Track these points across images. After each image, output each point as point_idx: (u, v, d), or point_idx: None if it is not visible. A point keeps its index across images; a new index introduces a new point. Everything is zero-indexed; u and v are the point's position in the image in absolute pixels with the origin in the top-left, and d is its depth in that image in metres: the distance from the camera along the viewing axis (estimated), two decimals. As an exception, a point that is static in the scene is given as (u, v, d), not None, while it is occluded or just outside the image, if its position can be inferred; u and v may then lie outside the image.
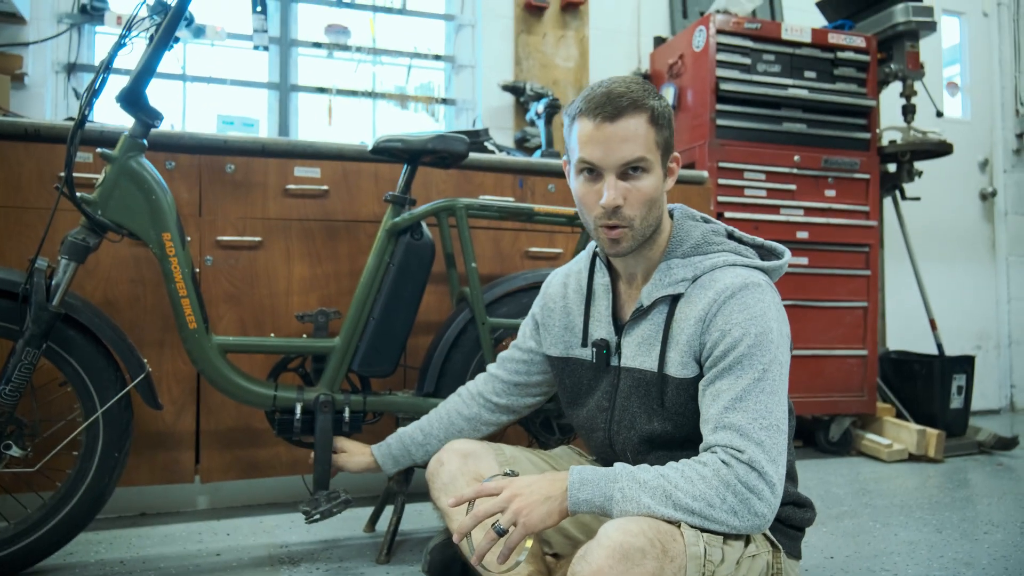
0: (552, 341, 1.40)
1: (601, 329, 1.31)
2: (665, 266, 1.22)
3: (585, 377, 1.34)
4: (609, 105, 1.15)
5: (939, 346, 3.12)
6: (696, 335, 1.16)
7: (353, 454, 1.57)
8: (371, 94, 2.94)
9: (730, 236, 1.28)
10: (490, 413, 1.50)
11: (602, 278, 1.33)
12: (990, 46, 4.00)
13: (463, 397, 1.52)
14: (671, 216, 1.27)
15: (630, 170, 1.17)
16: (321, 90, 2.89)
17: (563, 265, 1.47)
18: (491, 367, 1.52)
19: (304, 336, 1.72)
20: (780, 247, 1.28)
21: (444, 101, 3.05)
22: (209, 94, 2.75)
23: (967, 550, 1.77)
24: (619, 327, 1.28)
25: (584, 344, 1.32)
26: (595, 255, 1.36)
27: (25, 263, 1.66)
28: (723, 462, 1.05)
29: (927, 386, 3.00)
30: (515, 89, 2.91)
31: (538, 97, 2.84)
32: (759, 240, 1.28)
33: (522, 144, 2.88)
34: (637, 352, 1.24)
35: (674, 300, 1.20)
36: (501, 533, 1.07)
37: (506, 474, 1.17)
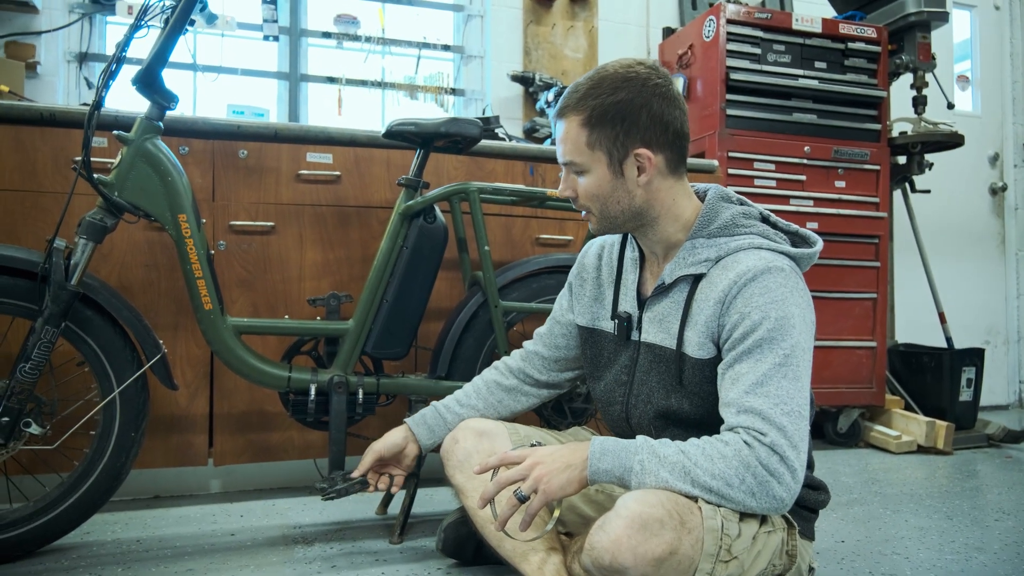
0: (581, 310, 1.42)
1: (626, 302, 1.32)
2: (690, 245, 1.22)
3: (607, 349, 1.35)
4: (560, 103, 1.23)
5: (948, 339, 3.11)
6: (715, 316, 1.16)
7: (385, 436, 1.47)
8: (380, 84, 2.95)
9: (764, 220, 1.27)
10: (532, 387, 1.50)
11: (632, 252, 1.34)
12: (1001, 39, 3.99)
13: (501, 371, 1.51)
14: (702, 197, 1.27)
15: (572, 168, 1.24)
16: (331, 80, 2.90)
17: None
18: (528, 344, 1.52)
19: (318, 319, 1.72)
20: (814, 236, 1.26)
21: (453, 91, 3.06)
22: (220, 84, 2.76)
23: (978, 536, 1.77)
24: (642, 302, 1.29)
25: (612, 316, 1.33)
26: None
27: (41, 247, 1.67)
28: (745, 443, 1.06)
29: (936, 379, 2.99)
30: (524, 79, 2.92)
31: (547, 87, 2.84)
32: (794, 227, 1.27)
33: (531, 134, 2.88)
34: (657, 329, 1.25)
35: (696, 280, 1.20)
36: (523, 500, 1.09)
37: (532, 445, 1.18)
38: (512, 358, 1.53)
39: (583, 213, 1.28)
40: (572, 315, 1.45)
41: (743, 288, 1.13)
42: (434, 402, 1.50)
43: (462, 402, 1.48)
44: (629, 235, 1.36)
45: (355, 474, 1.45)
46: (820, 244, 1.26)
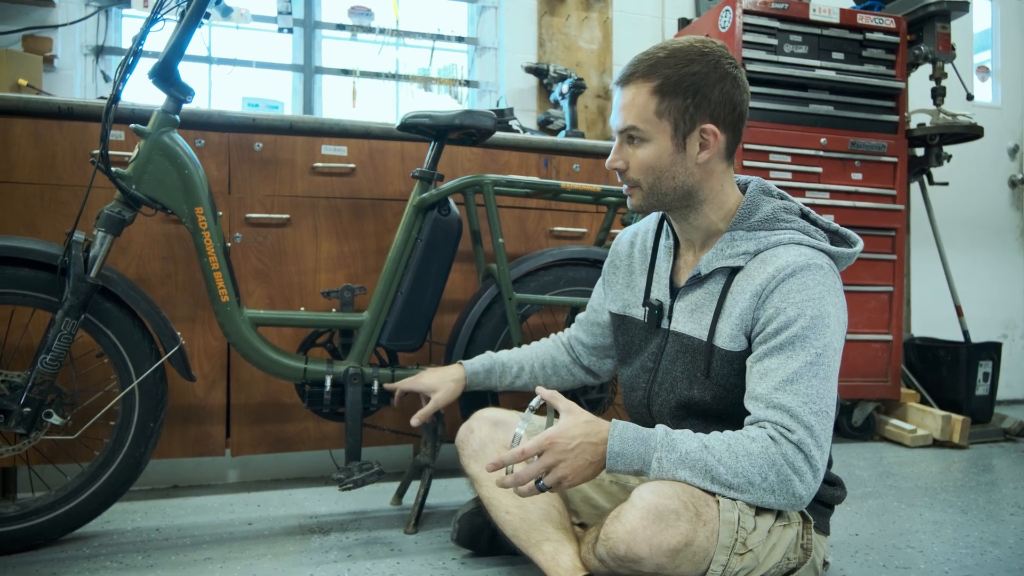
0: (613, 297, 1.43)
1: (658, 291, 1.32)
2: (729, 237, 1.22)
3: (637, 337, 1.35)
4: (626, 70, 1.21)
5: (965, 333, 3.09)
6: (750, 309, 1.15)
7: (439, 387, 1.52)
8: (394, 76, 2.95)
9: (804, 216, 1.26)
10: (577, 369, 1.55)
11: (666, 240, 1.34)
12: (1023, 29, 3.93)
13: (556, 344, 1.57)
14: (742, 189, 1.27)
15: (630, 137, 1.21)
16: (345, 72, 2.90)
17: (632, 224, 1.50)
18: (571, 329, 1.56)
19: (333, 311, 1.74)
20: (854, 236, 1.26)
21: (467, 83, 3.06)
22: (234, 77, 2.77)
23: (993, 530, 1.76)
24: (674, 291, 1.29)
25: (644, 304, 1.34)
26: (663, 217, 1.37)
27: (60, 240, 1.69)
28: (771, 438, 1.06)
29: (952, 372, 2.97)
30: (538, 71, 2.91)
31: (561, 78, 2.83)
32: (834, 225, 1.26)
33: (545, 126, 2.88)
34: (688, 318, 1.25)
35: (733, 272, 1.20)
36: (543, 489, 1.11)
37: (543, 402, 1.18)
38: (565, 335, 1.57)
39: (626, 187, 1.25)
40: (606, 303, 1.46)
41: (781, 283, 1.13)
42: (490, 353, 1.56)
43: (519, 362, 1.54)
44: (665, 223, 1.36)
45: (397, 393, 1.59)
46: (860, 245, 1.25)
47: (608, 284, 1.46)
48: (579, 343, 1.54)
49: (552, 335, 1.60)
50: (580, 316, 1.55)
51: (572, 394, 1.83)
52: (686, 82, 1.16)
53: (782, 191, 1.28)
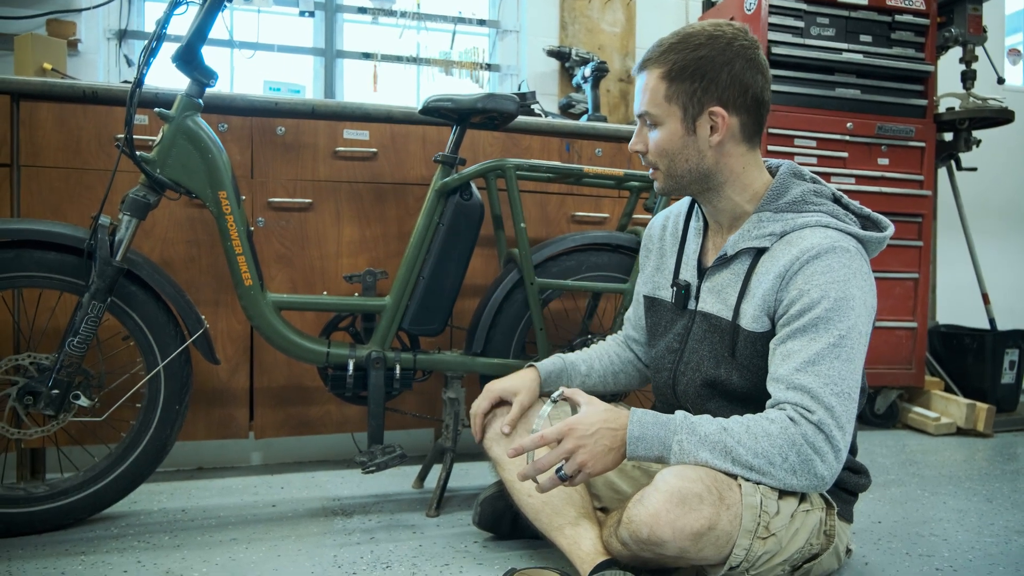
0: (644, 279, 1.45)
1: (686, 272, 1.33)
2: (756, 218, 1.21)
3: (664, 318, 1.36)
4: (643, 56, 1.24)
5: (991, 320, 3.04)
6: (773, 291, 1.15)
7: (520, 389, 1.38)
8: (416, 60, 2.94)
9: (836, 200, 1.25)
10: (641, 365, 1.53)
11: (696, 222, 1.35)
12: (1055, 9, 3.83)
13: (616, 341, 1.55)
14: (773, 172, 1.26)
15: (647, 121, 1.24)
16: (366, 56, 2.89)
17: (665, 208, 1.51)
18: (622, 332, 1.56)
19: (356, 295, 1.74)
20: (885, 221, 1.25)
21: (488, 67, 3.03)
22: (256, 61, 2.77)
23: (1019, 519, 1.74)
24: (702, 272, 1.30)
25: (672, 284, 1.34)
26: (694, 199, 1.37)
27: (86, 223, 1.71)
28: (791, 419, 1.06)
29: (978, 360, 2.93)
30: (560, 54, 2.88)
31: (584, 62, 2.80)
32: (866, 211, 1.26)
33: (567, 110, 2.85)
34: (715, 299, 1.25)
35: (758, 253, 1.20)
36: (564, 478, 1.12)
37: (564, 398, 1.19)
38: (620, 335, 1.56)
39: (651, 171, 1.28)
40: (639, 287, 1.47)
41: (805, 265, 1.13)
42: (559, 356, 1.48)
43: (588, 363, 1.48)
44: (695, 206, 1.36)
45: (474, 411, 1.39)
46: (891, 229, 1.24)
47: (641, 268, 1.47)
48: (632, 341, 1.53)
49: (610, 336, 1.58)
50: (627, 315, 1.55)
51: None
52: (692, 67, 1.18)
53: (815, 175, 1.27)
